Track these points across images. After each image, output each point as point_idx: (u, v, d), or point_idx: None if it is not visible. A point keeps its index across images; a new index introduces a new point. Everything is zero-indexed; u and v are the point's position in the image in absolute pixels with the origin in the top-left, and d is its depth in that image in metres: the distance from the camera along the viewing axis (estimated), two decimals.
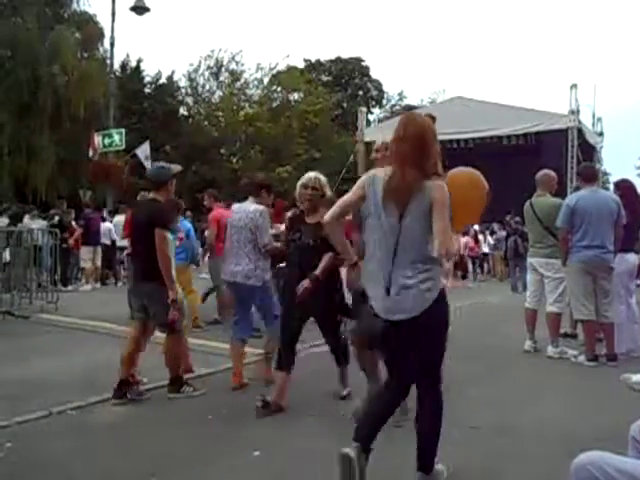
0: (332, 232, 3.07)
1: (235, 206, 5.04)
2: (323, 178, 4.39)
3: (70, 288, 11.41)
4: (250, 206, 4.84)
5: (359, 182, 2.96)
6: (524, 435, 3.76)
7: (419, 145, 2.80)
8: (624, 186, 6.24)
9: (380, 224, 2.85)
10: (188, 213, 11.77)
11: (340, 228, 3.08)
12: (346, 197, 2.97)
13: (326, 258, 4.16)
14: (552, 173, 6.41)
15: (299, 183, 4.40)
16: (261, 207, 4.81)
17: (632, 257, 6.03)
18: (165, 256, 4.36)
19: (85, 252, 12.11)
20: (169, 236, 4.47)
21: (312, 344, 6.62)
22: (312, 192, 4.32)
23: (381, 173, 2.90)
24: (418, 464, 2.93)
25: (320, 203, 4.32)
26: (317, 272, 4.12)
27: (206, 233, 8.89)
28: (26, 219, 11.66)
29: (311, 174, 4.44)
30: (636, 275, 6.43)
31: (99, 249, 12.34)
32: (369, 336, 2.98)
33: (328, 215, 2.99)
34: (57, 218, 11.93)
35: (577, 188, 6.42)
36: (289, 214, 4.61)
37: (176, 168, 4.81)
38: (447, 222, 2.76)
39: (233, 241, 4.82)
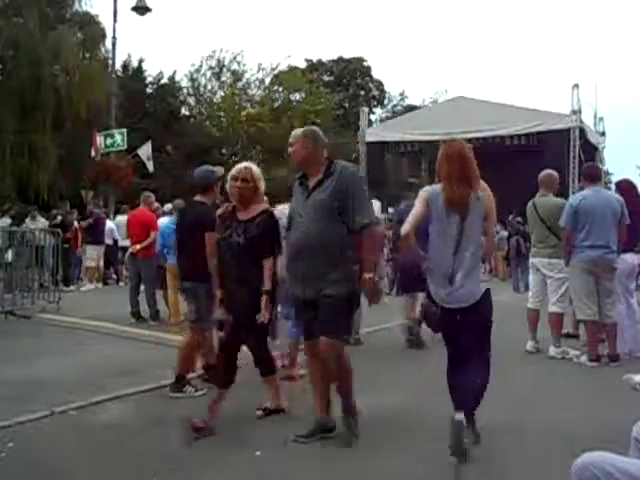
0: (409, 244, 3.50)
1: (279, 208, 5.05)
2: (256, 169, 4.03)
3: (72, 288, 11.41)
4: None
5: (422, 197, 3.52)
6: (526, 435, 3.76)
7: (461, 163, 3.43)
8: (624, 186, 6.20)
9: (443, 229, 3.45)
10: None
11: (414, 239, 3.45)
12: (415, 211, 3.48)
13: (268, 266, 3.86)
14: (555, 173, 6.41)
15: (229, 174, 4.05)
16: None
17: (631, 257, 6.00)
18: (214, 254, 4.46)
19: (91, 251, 12.13)
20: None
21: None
22: (242, 184, 3.92)
23: (438, 188, 3.49)
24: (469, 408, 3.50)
25: (253, 197, 3.98)
26: (267, 287, 3.82)
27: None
28: (27, 221, 11.65)
29: (242, 164, 4.07)
30: (636, 275, 6.42)
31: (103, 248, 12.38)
32: (427, 319, 3.69)
33: (406, 228, 3.42)
34: (59, 218, 11.94)
35: (582, 188, 6.40)
36: (219, 210, 4.20)
37: (220, 171, 4.99)
38: (494, 227, 3.79)
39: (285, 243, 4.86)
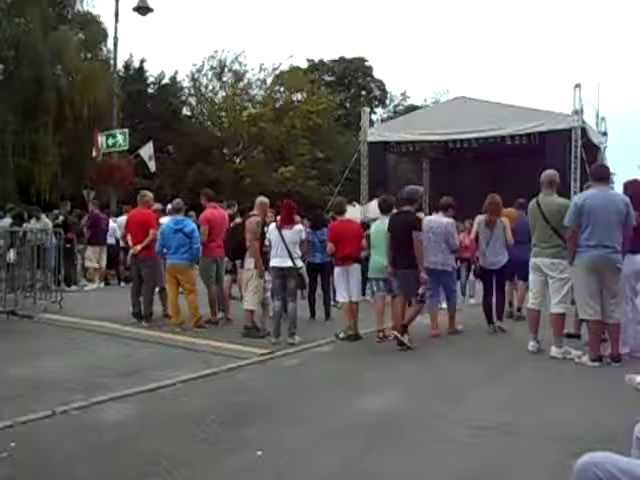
0: (474, 244, 7.78)
1: (429, 218, 7.55)
2: None
3: (74, 288, 11.41)
4: (442, 219, 7.28)
5: (476, 221, 7.57)
6: (528, 435, 3.75)
7: (497, 206, 7.42)
8: (634, 186, 6.12)
9: (486, 235, 7.38)
10: (191, 213, 11.75)
11: None
12: (474, 228, 7.59)
13: None
14: (557, 173, 6.39)
15: None
16: (451, 220, 7.32)
17: None
18: (421, 249, 6.42)
19: (89, 251, 12.09)
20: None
21: (314, 344, 6.63)
22: None
23: (483, 217, 7.41)
24: (498, 317, 7.46)
25: None
26: None
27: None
28: (32, 221, 11.56)
29: None
30: None
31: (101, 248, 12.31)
32: (478, 274, 7.92)
33: (472, 236, 7.68)
34: (61, 218, 11.91)
35: (589, 187, 6.34)
36: None
37: (421, 189, 7.10)
38: (510, 232, 7.37)
39: (432, 241, 7.06)
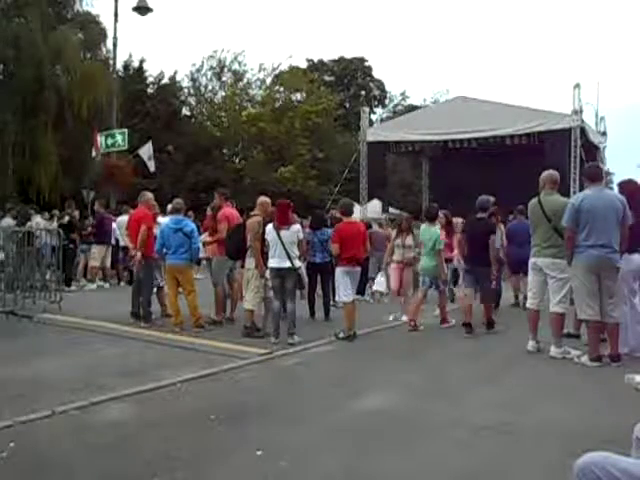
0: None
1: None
2: None
3: (73, 288, 11.40)
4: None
5: None
6: (527, 435, 3.76)
7: (496, 217, 8.39)
8: (630, 187, 6.09)
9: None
10: (190, 213, 11.75)
11: None
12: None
13: None
14: (557, 173, 6.39)
15: None
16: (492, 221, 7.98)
17: (637, 258, 5.94)
18: (495, 250, 7.42)
19: (95, 250, 12.12)
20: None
21: (314, 344, 6.64)
22: None
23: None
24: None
25: None
26: None
27: (205, 234, 8.88)
28: (34, 223, 11.53)
29: None
30: None
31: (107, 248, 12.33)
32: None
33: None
34: (67, 218, 11.91)
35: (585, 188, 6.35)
36: None
37: (492, 199, 7.85)
38: (505, 237, 9.20)
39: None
